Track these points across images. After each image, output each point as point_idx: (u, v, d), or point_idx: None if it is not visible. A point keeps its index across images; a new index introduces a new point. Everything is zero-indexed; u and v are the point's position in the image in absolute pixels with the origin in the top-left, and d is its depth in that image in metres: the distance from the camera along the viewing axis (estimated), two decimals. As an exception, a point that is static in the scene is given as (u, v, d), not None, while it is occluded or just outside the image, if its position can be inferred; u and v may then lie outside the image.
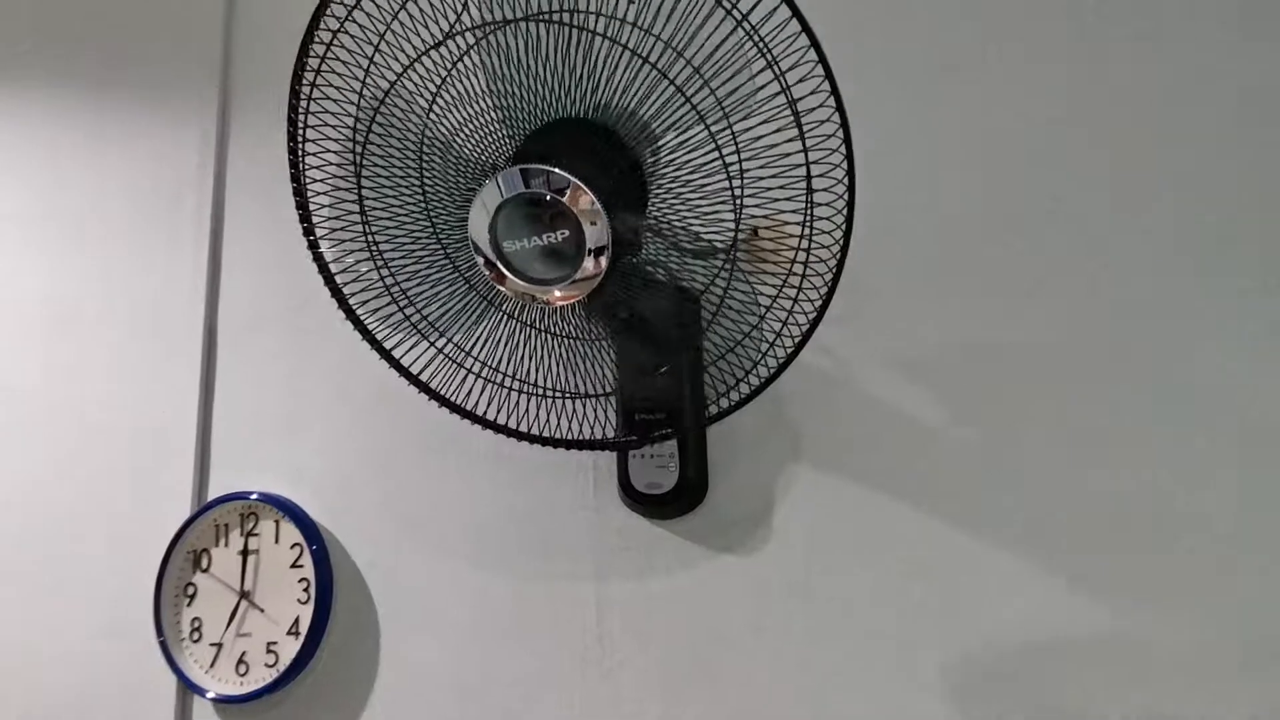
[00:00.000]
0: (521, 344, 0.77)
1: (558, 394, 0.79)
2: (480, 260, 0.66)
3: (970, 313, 0.83)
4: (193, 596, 0.99)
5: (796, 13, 0.59)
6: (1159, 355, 0.78)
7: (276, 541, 0.99)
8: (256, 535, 0.99)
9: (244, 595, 0.98)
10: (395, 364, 0.76)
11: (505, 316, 0.76)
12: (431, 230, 0.73)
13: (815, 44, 0.60)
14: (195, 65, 1.14)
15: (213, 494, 1.03)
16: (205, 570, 1.00)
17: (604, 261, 0.64)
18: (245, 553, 0.99)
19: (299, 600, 0.96)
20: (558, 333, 0.78)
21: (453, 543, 0.94)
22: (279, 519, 0.99)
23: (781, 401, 0.86)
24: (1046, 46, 0.87)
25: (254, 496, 0.99)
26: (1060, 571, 0.76)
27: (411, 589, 0.94)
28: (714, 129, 0.62)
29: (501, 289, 0.67)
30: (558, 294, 0.69)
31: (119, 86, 1.18)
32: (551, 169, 0.63)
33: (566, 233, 0.63)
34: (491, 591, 0.91)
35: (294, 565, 0.97)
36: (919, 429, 0.82)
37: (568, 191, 0.62)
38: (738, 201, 0.64)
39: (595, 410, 0.82)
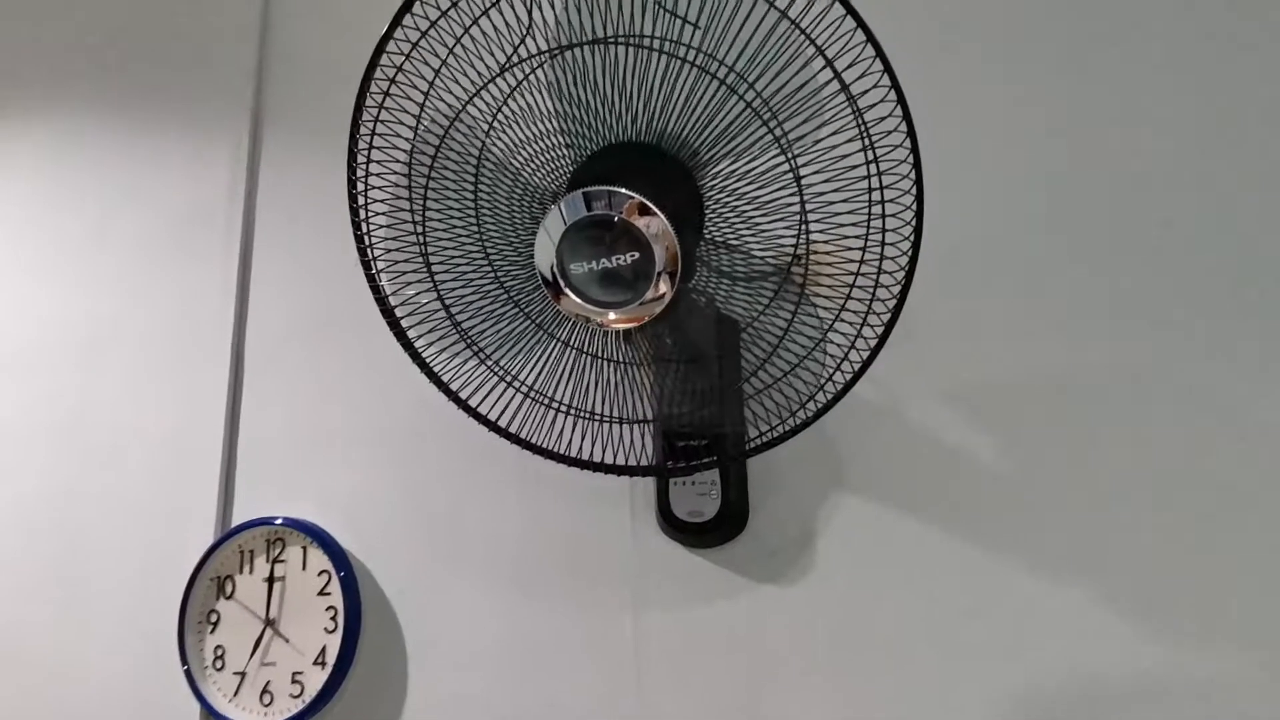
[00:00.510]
0: (569, 368, 0.77)
1: (603, 418, 0.78)
2: (543, 280, 0.66)
3: (1020, 346, 0.83)
4: (216, 624, 0.97)
5: (870, 37, 0.60)
6: (1217, 393, 0.78)
7: (304, 568, 0.97)
8: (283, 562, 0.97)
9: (269, 623, 0.96)
10: (442, 385, 0.76)
11: (554, 340, 0.76)
12: (483, 253, 0.73)
13: (888, 68, 0.61)
14: (228, 83, 1.14)
15: (238, 519, 1.01)
16: (229, 597, 0.98)
17: (673, 285, 0.64)
18: (271, 579, 0.97)
19: (326, 629, 0.94)
20: (604, 356, 0.78)
21: (486, 571, 0.92)
22: (306, 545, 0.97)
23: (823, 427, 0.84)
24: (1116, 81, 0.87)
25: (280, 521, 0.98)
26: (1109, 610, 0.76)
27: (442, 618, 0.93)
28: (781, 141, 0.62)
29: (559, 307, 0.67)
30: (612, 316, 0.68)
31: (152, 104, 1.18)
32: (620, 190, 0.63)
33: (636, 255, 0.63)
34: (526, 621, 0.90)
35: (321, 593, 0.96)
36: (964, 461, 0.82)
37: (637, 214, 0.62)
38: (801, 222, 0.65)
39: (634, 436, 0.81)
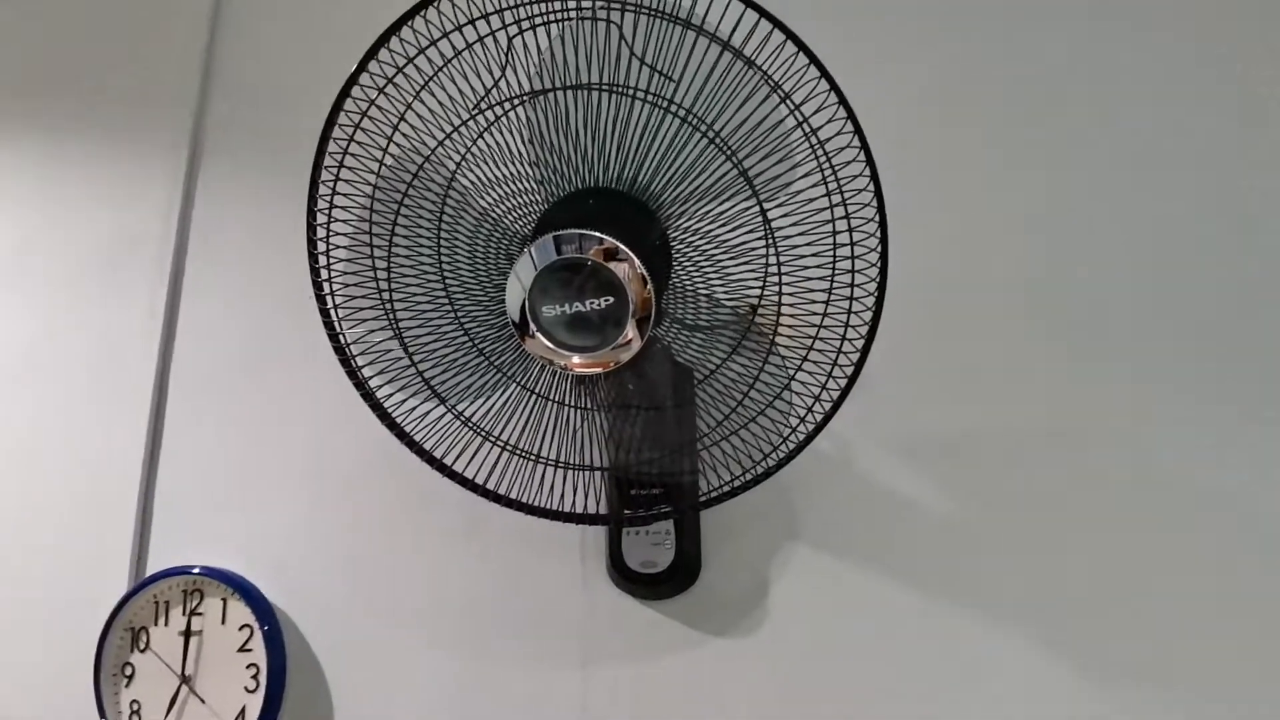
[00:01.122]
0: (526, 412, 0.75)
1: (559, 464, 0.76)
2: (511, 321, 0.64)
3: (974, 398, 0.85)
4: (131, 677, 0.90)
5: (835, 87, 0.61)
6: (1164, 447, 0.80)
7: (223, 622, 0.91)
8: (200, 614, 0.91)
9: (185, 680, 0.89)
10: (391, 422, 0.73)
11: (512, 383, 0.74)
12: (445, 291, 0.71)
13: (858, 128, 0.62)
14: (168, 113, 1.09)
15: (155, 566, 0.94)
16: (144, 650, 0.91)
17: (643, 333, 0.64)
18: (188, 633, 0.90)
19: (246, 688, 0.88)
20: (563, 401, 0.76)
21: (425, 626, 0.88)
22: (227, 596, 0.91)
23: (776, 477, 0.85)
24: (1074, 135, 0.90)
25: (197, 571, 0.92)
26: (1060, 660, 0.77)
27: (377, 677, 0.88)
28: (757, 188, 0.63)
29: (525, 348, 0.65)
30: (576, 360, 0.67)
31: (87, 132, 1.12)
32: (592, 234, 0.62)
33: (610, 300, 0.62)
34: (468, 679, 0.86)
35: (242, 649, 0.90)
36: (916, 512, 0.83)
37: (610, 259, 0.62)
38: (766, 271, 0.65)
39: (589, 484, 0.79)
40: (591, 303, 0.62)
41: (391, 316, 0.66)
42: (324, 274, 0.72)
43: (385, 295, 0.66)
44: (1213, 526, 0.78)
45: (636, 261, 0.62)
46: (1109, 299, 0.85)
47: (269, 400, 0.99)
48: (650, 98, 0.64)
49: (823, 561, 0.83)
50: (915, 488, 0.84)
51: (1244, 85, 0.88)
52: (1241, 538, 0.77)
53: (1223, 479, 0.79)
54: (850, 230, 0.65)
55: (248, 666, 0.89)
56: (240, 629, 0.90)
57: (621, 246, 0.61)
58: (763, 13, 0.62)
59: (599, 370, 0.68)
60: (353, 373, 0.69)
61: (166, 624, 0.91)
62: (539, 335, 0.65)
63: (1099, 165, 0.89)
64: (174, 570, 0.92)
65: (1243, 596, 0.76)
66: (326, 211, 0.68)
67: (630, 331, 0.64)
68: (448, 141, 0.65)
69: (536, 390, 0.74)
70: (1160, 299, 0.85)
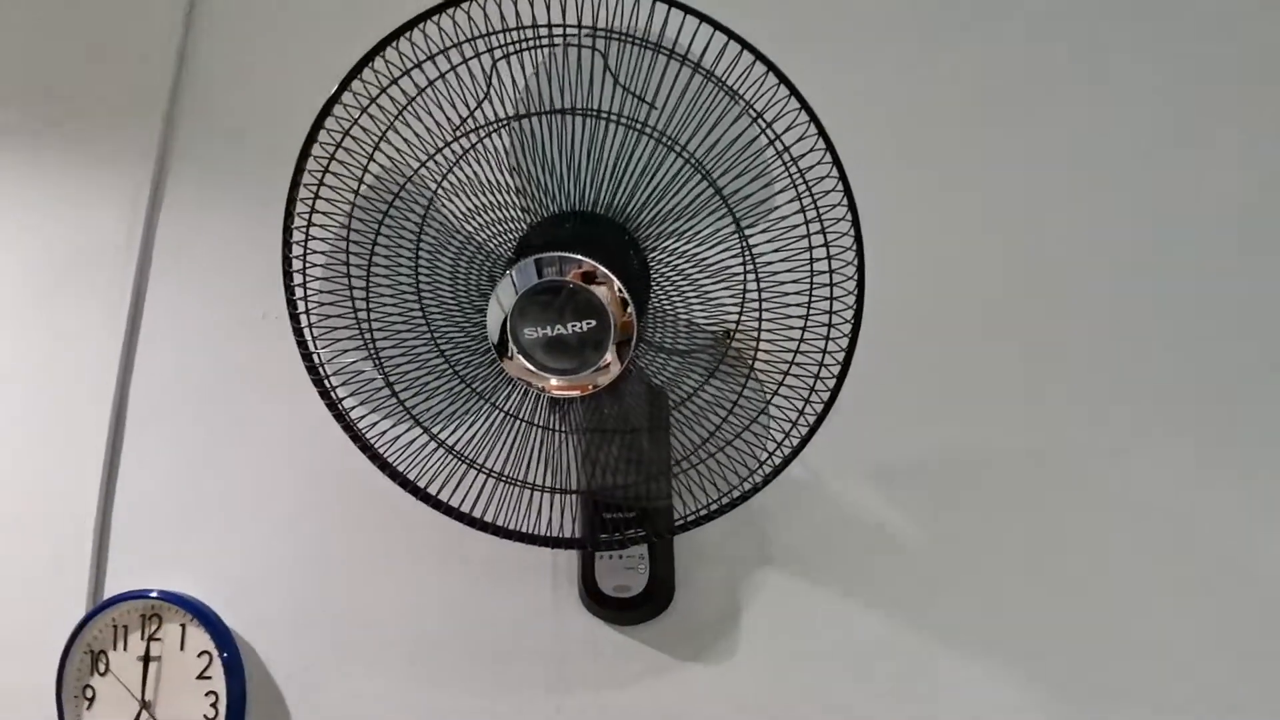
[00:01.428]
0: (500, 434, 0.74)
1: (535, 487, 0.76)
2: (492, 343, 0.64)
3: (946, 423, 0.85)
4: (92, 700, 0.88)
5: (812, 116, 0.62)
6: (1139, 470, 0.81)
7: (182, 648, 0.88)
8: (159, 640, 0.89)
9: (144, 706, 0.87)
10: (364, 443, 0.72)
11: (485, 403, 0.73)
12: (421, 312, 0.71)
13: (833, 151, 0.63)
14: (136, 123, 1.07)
15: (114, 589, 0.91)
16: (104, 674, 0.88)
17: (622, 357, 0.64)
18: (146, 658, 0.88)
19: (206, 716, 0.86)
20: (539, 424, 0.76)
21: (391, 653, 0.87)
22: (186, 622, 0.89)
23: (748, 502, 0.85)
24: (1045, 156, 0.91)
25: (155, 595, 0.89)
26: (1033, 688, 0.78)
27: (340, 706, 0.86)
28: (736, 212, 0.63)
29: (505, 368, 0.65)
30: (555, 383, 0.67)
31: (52, 141, 1.09)
32: (573, 256, 0.62)
33: (592, 323, 0.62)
34: (435, 707, 0.84)
35: (201, 675, 0.87)
36: (891, 538, 0.84)
37: (592, 282, 0.62)
38: (749, 293, 0.66)
39: (562, 507, 0.79)
40: (573, 325, 0.62)
41: (368, 337, 0.66)
42: (299, 292, 0.71)
43: (362, 315, 0.66)
44: (1190, 550, 0.79)
45: (617, 284, 0.62)
46: (1085, 321, 0.87)
47: (232, 421, 0.97)
48: (625, 120, 0.65)
49: (796, 587, 0.83)
50: (888, 513, 0.84)
51: (1202, 102, 0.90)
52: (1220, 562, 0.79)
53: (1200, 502, 0.80)
54: (828, 249, 0.66)
55: (207, 694, 0.87)
56: (199, 655, 0.88)
57: (601, 269, 0.61)
58: (731, 35, 0.62)
59: (577, 393, 0.68)
60: (325, 393, 0.68)
61: (125, 648, 0.88)
62: (519, 357, 0.65)
63: (1076, 184, 0.90)
64: (131, 594, 0.90)
65: (1216, 622, 0.77)
66: (304, 230, 0.68)
67: (610, 356, 0.64)
68: (430, 163, 0.64)
69: (512, 413, 0.74)
70: (1134, 319, 0.86)
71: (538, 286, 0.62)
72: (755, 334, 0.69)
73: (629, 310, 0.63)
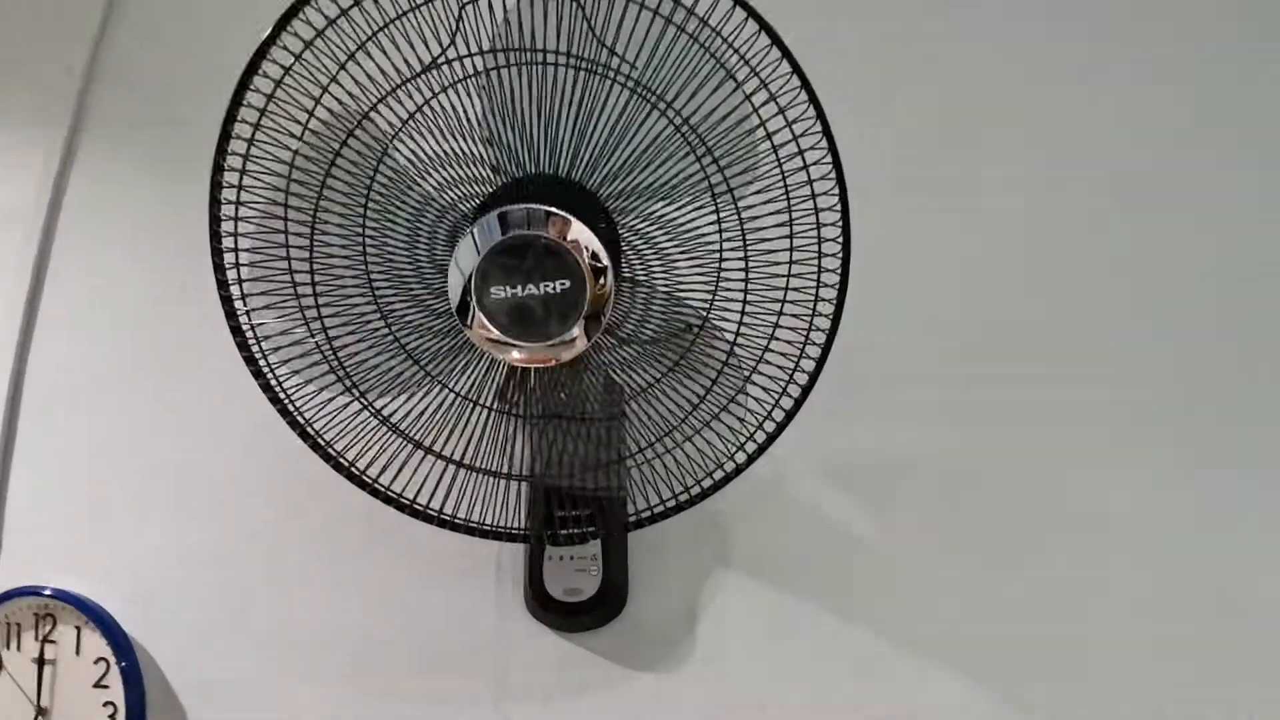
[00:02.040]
0: (445, 413, 0.68)
1: (479, 470, 0.69)
2: (453, 307, 0.58)
3: (914, 423, 0.82)
4: (-10, 698, 0.78)
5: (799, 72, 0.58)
6: (1117, 480, 0.79)
7: (78, 653, 0.79)
8: (54, 642, 0.79)
9: (41, 712, 0.78)
10: (284, 407, 0.64)
11: (432, 382, 0.67)
12: (366, 276, 0.64)
13: (816, 105, 0.59)
14: (51, 81, 0.97)
15: (6, 584, 0.82)
16: (-1, 671, 0.79)
17: (590, 331, 0.58)
18: (41, 661, 0.79)
19: (103, 729, 0.77)
20: (488, 405, 0.69)
21: (313, 662, 0.79)
22: (81, 625, 0.80)
23: (706, 500, 0.80)
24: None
25: (48, 592, 0.80)
26: (996, 693, 0.74)
27: None
28: (713, 181, 0.59)
29: (468, 335, 0.59)
30: (517, 355, 0.61)
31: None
32: (548, 208, 0.56)
33: (566, 284, 0.56)
34: (367, 721, 0.77)
35: (98, 684, 0.79)
36: (856, 540, 0.80)
37: (564, 238, 0.56)
38: (727, 266, 0.61)
39: (507, 495, 0.72)
40: (545, 286, 0.57)
41: (308, 301, 0.59)
42: (229, 259, 0.63)
43: (301, 276, 0.59)
44: (1159, 563, 0.77)
45: (593, 243, 0.56)
46: (1048, 336, 0.83)
47: (139, 406, 0.88)
48: (600, 69, 0.60)
49: (755, 589, 0.79)
50: (853, 514, 0.80)
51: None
52: (1198, 575, 0.76)
53: (1175, 516, 0.78)
54: (817, 218, 0.61)
55: (104, 704, 0.78)
56: (96, 662, 0.79)
57: (575, 222, 0.56)
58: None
59: (539, 365, 0.62)
60: (251, 358, 0.61)
61: (19, 649, 0.79)
62: (482, 321, 0.58)
63: (1073, 189, 0.86)
64: (24, 590, 0.81)
65: (1188, 634, 0.75)
66: (236, 182, 0.60)
67: (577, 330, 0.59)
68: (383, 108, 0.58)
69: (462, 392, 0.67)
70: (1131, 323, 0.83)
71: (505, 243, 0.56)
72: (734, 315, 0.64)
73: (603, 282, 0.58)
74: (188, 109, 0.89)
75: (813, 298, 0.64)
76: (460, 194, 0.63)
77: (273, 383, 0.62)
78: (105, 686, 0.78)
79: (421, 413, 0.65)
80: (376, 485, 0.66)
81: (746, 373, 0.66)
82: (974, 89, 0.88)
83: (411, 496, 0.69)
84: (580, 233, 0.56)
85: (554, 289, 0.56)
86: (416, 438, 0.67)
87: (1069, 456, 0.80)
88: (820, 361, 0.66)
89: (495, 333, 0.58)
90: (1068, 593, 0.76)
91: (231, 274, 0.57)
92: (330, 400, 0.64)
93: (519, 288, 0.56)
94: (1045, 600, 0.76)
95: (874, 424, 0.82)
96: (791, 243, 0.63)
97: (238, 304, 0.58)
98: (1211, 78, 0.86)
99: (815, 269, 0.63)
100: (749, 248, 0.61)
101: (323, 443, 0.64)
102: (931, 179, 0.87)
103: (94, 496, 0.86)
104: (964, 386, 0.83)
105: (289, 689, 0.78)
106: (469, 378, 0.67)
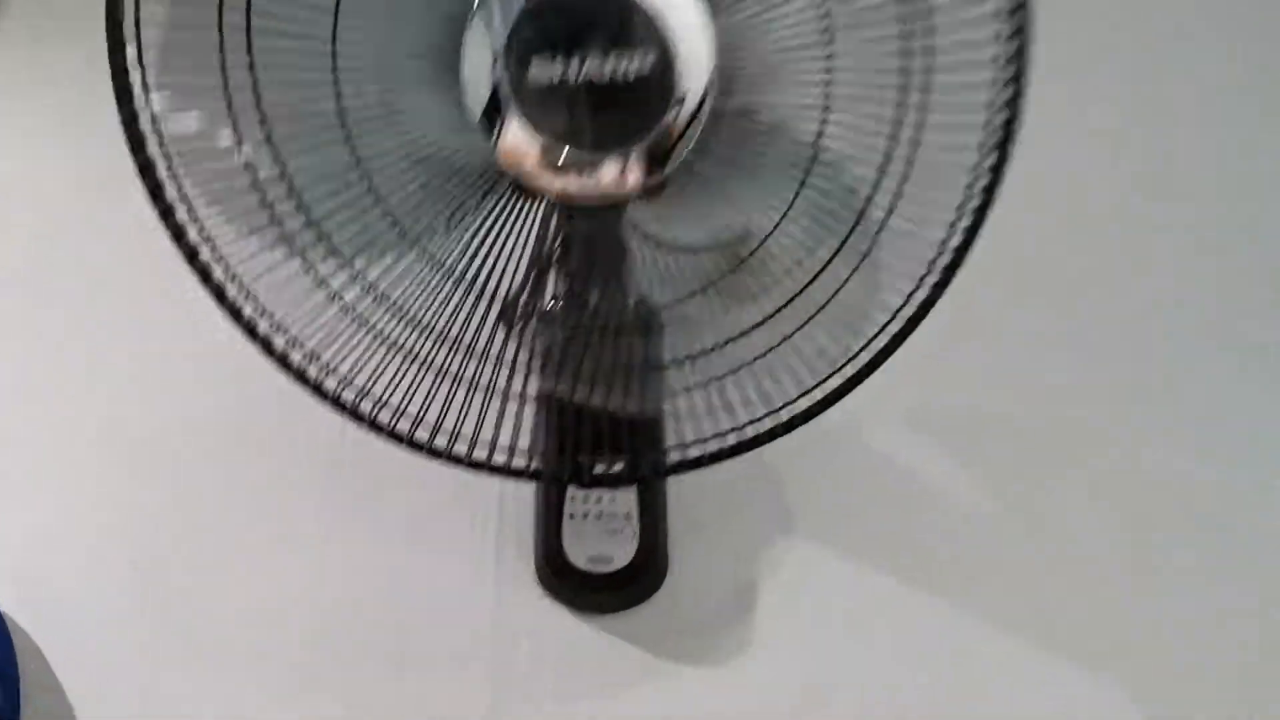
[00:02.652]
0: (432, 301, 0.50)
1: (476, 385, 0.51)
2: (476, 101, 0.40)
3: (1007, 374, 0.71)
4: None
5: None
6: (1217, 446, 0.68)
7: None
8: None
9: None
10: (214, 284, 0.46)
11: (415, 251, 0.49)
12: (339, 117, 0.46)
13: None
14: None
15: None
16: None
17: (706, 103, 0.40)
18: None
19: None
20: (489, 295, 0.51)
21: (261, 651, 0.61)
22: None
23: (763, 453, 0.65)
24: None
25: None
26: (1089, 673, 0.60)
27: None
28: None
29: (498, 152, 0.41)
30: (560, 185, 0.43)
31: None
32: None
33: (650, 56, 0.38)
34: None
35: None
36: (944, 505, 0.66)
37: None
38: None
39: (516, 425, 0.54)
40: (618, 59, 0.39)
41: (243, 94, 0.40)
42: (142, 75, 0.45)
43: (240, 80, 0.41)
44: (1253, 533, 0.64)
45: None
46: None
47: (33, 340, 0.73)
48: None
49: (824, 561, 0.64)
50: (940, 474, 0.67)
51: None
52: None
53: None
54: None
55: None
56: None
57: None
58: None
59: (587, 202, 0.45)
60: (147, 165, 0.42)
61: None
62: (518, 121, 0.40)
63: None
64: None
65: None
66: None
67: (677, 110, 0.40)
68: None
69: (451, 268, 0.49)
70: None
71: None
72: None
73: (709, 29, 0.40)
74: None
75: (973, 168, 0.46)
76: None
77: (178, 209, 0.42)
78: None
79: (396, 289, 0.47)
80: (337, 398, 0.48)
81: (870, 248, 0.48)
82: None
83: (387, 420, 0.51)
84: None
85: (631, 65, 0.39)
86: (392, 336, 0.49)
87: (1205, 417, 0.69)
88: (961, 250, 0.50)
89: (540, 140, 0.40)
90: (1184, 566, 0.63)
91: (130, 29, 0.38)
92: (270, 259, 0.45)
93: (578, 61, 0.39)
94: (1157, 575, 0.63)
95: (975, 371, 0.70)
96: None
97: (134, 78, 0.39)
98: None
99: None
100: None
101: (247, 314, 0.45)
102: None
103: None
104: (1080, 338, 0.72)
105: (216, 685, 0.60)
106: (466, 251, 0.49)
